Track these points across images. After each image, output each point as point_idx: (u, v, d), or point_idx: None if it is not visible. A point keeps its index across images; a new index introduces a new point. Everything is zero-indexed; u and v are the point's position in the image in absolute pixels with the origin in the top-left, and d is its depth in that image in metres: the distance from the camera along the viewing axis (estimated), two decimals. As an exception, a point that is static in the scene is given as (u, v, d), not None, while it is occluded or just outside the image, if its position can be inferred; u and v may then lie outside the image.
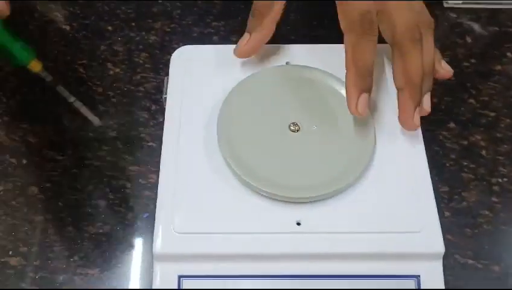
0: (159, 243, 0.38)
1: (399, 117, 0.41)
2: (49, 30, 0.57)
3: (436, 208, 0.39)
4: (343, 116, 0.42)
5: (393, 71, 0.41)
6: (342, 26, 0.40)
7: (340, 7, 0.40)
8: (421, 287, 0.38)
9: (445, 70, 0.44)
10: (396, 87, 0.41)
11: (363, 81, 0.39)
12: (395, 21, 0.40)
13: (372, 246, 0.38)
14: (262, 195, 0.39)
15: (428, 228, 0.38)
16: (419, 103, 0.41)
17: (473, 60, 0.56)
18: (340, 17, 0.40)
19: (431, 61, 0.41)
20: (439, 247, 0.38)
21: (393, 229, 0.38)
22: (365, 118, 0.41)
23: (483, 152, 0.50)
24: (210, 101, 0.44)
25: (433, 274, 0.38)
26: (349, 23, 0.40)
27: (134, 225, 0.46)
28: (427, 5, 0.59)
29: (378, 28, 0.40)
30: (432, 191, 0.40)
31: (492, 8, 0.60)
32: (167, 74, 0.46)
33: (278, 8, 0.43)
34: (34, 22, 0.57)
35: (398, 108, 0.41)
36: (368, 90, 0.40)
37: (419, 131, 0.43)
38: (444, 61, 0.44)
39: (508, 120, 0.52)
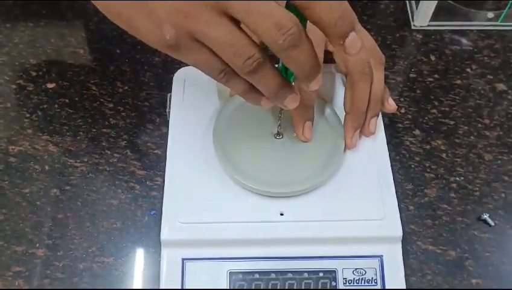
0: (166, 231, 0.45)
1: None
2: (64, 53, 0.64)
3: (397, 200, 0.47)
4: (319, 126, 0.50)
5: (344, 97, 0.49)
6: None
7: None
8: (384, 266, 0.45)
9: (390, 106, 0.51)
10: (344, 110, 0.49)
11: (306, 112, 0.48)
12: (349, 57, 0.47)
13: (343, 231, 0.45)
14: (251, 191, 0.47)
15: (389, 216, 0.46)
16: (360, 127, 0.49)
17: (436, 76, 0.64)
18: None
19: (379, 92, 0.49)
20: (399, 231, 0.46)
21: (361, 217, 0.46)
22: (337, 127, 0.49)
23: (444, 155, 0.58)
24: (207, 114, 0.51)
25: (394, 254, 0.46)
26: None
27: (142, 221, 0.52)
28: (395, 27, 0.67)
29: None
30: (393, 186, 0.48)
31: (454, 30, 0.67)
32: (170, 91, 0.53)
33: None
34: (50, 46, 0.64)
35: (343, 127, 0.49)
36: (311, 119, 0.48)
37: (384, 139, 0.51)
38: (390, 98, 0.51)
39: (465, 127, 0.59)
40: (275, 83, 0.37)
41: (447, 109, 0.61)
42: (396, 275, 0.45)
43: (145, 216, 0.53)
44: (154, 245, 0.51)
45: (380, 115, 0.51)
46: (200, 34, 0.34)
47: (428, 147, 0.58)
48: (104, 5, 0.37)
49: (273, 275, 0.45)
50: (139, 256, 0.51)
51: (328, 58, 0.52)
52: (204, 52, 0.35)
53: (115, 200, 0.53)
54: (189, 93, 0.52)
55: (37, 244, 0.51)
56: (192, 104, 0.52)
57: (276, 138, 0.49)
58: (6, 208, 0.53)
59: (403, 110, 0.60)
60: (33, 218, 0.52)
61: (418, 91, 0.62)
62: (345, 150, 0.49)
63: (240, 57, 0.34)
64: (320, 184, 0.47)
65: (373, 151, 0.49)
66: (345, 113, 0.49)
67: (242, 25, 0.35)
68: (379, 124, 0.51)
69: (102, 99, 0.60)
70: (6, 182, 0.54)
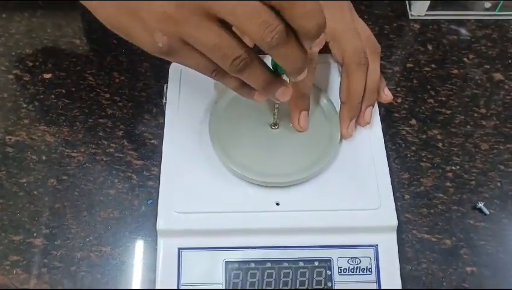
0: (162, 221, 0.45)
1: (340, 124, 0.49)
2: (61, 44, 0.64)
3: (392, 190, 0.47)
4: (315, 116, 0.50)
5: (340, 87, 0.49)
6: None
7: None
8: (379, 255, 0.45)
9: (386, 96, 0.51)
10: (340, 100, 0.49)
11: (302, 102, 0.48)
12: (345, 47, 0.48)
13: (338, 221, 0.46)
14: (247, 181, 0.47)
15: (384, 206, 0.46)
16: (355, 116, 0.49)
17: (433, 65, 0.63)
18: None
19: (375, 81, 0.49)
20: (394, 221, 0.46)
21: (356, 207, 0.46)
22: (333, 117, 0.49)
23: (440, 144, 0.58)
24: (203, 104, 0.51)
25: (389, 244, 0.46)
26: None
27: (139, 210, 0.53)
28: (393, 17, 0.67)
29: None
30: (389, 176, 0.48)
31: (451, 19, 0.67)
32: (166, 82, 0.53)
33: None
34: (47, 37, 0.64)
35: (339, 117, 0.49)
36: (307, 109, 0.48)
37: (380, 129, 0.51)
38: (387, 88, 0.51)
39: (462, 117, 0.59)
40: (263, 78, 0.38)
41: (443, 98, 0.61)
42: (391, 264, 0.46)
43: (142, 206, 0.53)
44: (151, 234, 0.51)
45: (376, 105, 0.51)
46: (190, 38, 0.35)
47: (424, 136, 0.58)
48: (100, 15, 0.39)
49: (268, 264, 0.45)
50: (136, 245, 0.51)
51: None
52: (195, 55, 0.37)
53: (112, 190, 0.54)
54: (186, 84, 0.52)
55: (35, 234, 0.51)
56: (189, 94, 0.52)
57: (272, 128, 0.49)
58: (3, 198, 0.53)
59: (399, 100, 0.60)
60: (30, 208, 0.53)
61: (415, 81, 0.62)
62: (340, 139, 0.49)
63: (227, 59, 0.35)
64: (316, 174, 0.47)
65: (369, 141, 0.49)
66: (340, 103, 0.49)
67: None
68: (375, 114, 0.51)
69: (99, 90, 0.60)
70: (4, 172, 0.54)
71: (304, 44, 0.35)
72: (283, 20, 0.34)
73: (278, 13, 0.34)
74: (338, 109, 0.50)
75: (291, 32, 0.35)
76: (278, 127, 0.49)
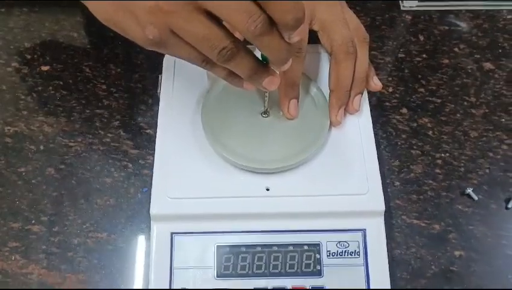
0: (155, 206, 0.46)
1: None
2: (58, 37, 0.65)
3: (380, 176, 0.48)
4: (305, 104, 0.51)
5: (328, 75, 0.50)
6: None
7: None
8: (367, 239, 0.46)
9: (376, 84, 0.52)
10: (329, 89, 0.50)
11: (291, 91, 0.49)
12: (333, 36, 0.49)
13: (327, 206, 0.47)
14: (238, 167, 0.48)
15: (372, 191, 0.47)
16: (344, 104, 0.50)
17: (424, 55, 0.64)
18: None
19: (363, 70, 0.50)
20: (381, 206, 0.47)
21: (344, 192, 0.47)
22: (322, 105, 0.50)
23: (430, 132, 0.59)
24: (196, 94, 0.52)
25: (377, 228, 0.47)
26: None
27: (135, 198, 0.54)
28: (385, 8, 0.68)
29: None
30: (377, 162, 0.49)
31: (442, 10, 0.68)
32: (161, 73, 0.54)
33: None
34: (45, 30, 0.65)
35: (328, 105, 0.50)
36: (296, 97, 0.49)
37: (369, 116, 0.52)
38: (376, 77, 0.52)
39: (452, 105, 0.60)
40: (249, 68, 0.39)
41: (434, 87, 0.62)
42: (378, 248, 0.47)
43: (137, 193, 0.54)
44: (146, 221, 0.52)
45: (366, 93, 0.52)
46: (180, 30, 0.37)
47: (415, 124, 0.59)
48: (97, 12, 0.41)
49: (259, 248, 0.46)
50: (132, 231, 0.52)
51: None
52: (185, 46, 0.38)
53: (109, 178, 0.55)
54: (179, 74, 0.53)
55: (33, 221, 0.53)
56: (182, 85, 0.53)
57: (262, 116, 0.50)
58: (3, 186, 0.54)
59: (390, 89, 0.61)
60: (29, 196, 0.54)
61: (406, 71, 0.63)
62: (330, 127, 0.50)
63: (215, 49, 0.37)
64: (306, 160, 0.48)
65: (358, 129, 0.50)
66: (329, 92, 0.50)
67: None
68: (364, 102, 0.52)
69: (95, 81, 0.61)
70: (3, 162, 0.56)
71: (283, 35, 0.37)
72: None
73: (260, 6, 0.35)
74: (327, 97, 0.51)
75: (274, 23, 0.36)
76: (268, 116, 0.50)
